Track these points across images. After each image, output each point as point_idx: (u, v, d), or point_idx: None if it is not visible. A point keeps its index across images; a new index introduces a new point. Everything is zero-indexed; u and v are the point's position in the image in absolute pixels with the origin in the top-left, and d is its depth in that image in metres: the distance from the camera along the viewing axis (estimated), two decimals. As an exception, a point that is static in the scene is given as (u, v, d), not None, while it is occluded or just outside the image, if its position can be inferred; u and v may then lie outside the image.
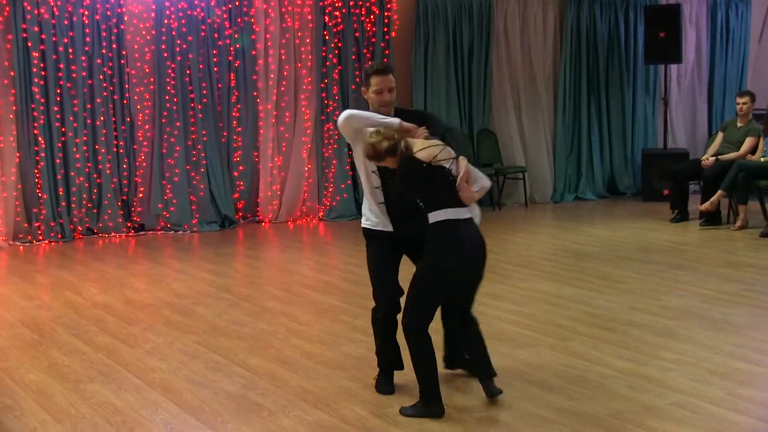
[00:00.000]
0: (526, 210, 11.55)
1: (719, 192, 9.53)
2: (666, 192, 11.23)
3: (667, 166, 11.17)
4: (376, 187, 4.60)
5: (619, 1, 12.27)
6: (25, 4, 9.12)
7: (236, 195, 10.39)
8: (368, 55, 10.83)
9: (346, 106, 10.75)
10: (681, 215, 10.16)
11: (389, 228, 4.63)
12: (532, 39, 11.87)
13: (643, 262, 8.05)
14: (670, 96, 12.42)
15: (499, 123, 11.81)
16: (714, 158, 9.95)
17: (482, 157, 11.62)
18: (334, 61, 10.66)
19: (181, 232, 9.87)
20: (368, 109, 4.67)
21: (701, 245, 8.87)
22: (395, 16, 11.00)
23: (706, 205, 9.62)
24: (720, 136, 10.29)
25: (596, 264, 8.00)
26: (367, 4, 10.76)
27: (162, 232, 9.88)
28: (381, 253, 4.65)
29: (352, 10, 10.69)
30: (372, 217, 4.67)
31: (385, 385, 4.75)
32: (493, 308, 6.45)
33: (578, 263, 8.06)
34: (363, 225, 4.73)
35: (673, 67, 12.44)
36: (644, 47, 11.98)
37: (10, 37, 9.12)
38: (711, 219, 9.76)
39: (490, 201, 11.65)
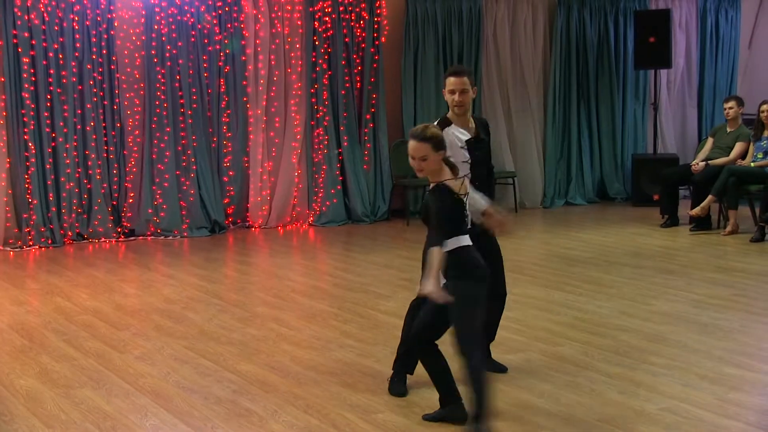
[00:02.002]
0: (515, 215, 11.55)
1: (709, 197, 9.56)
2: (656, 197, 11.26)
3: (657, 171, 11.20)
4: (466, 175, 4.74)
5: (609, 6, 12.32)
6: (16, 9, 9.10)
7: (226, 200, 10.38)
8: (358, 60, 10.84)
9: (335, 111, 10.77)
10: (671, 220, 10.19)
11: None
12: (521, 44, 11.90)
13: (633, 267, 8.07)
14: (659, 101, 12.46)
15: (489, 128, 11.80)
16: (704, 163, 9.98)
17: (472, 162, 11.62)
18: (324, 66, 10.67)
19: (171, 238, 9.85)
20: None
21: (691, 250, 8.90)
22: (385, 22, 11.02)
23: (697, 210, 9.64)
24: (710, 141, 10.33)
25: (586, 269, 8.02)
26: (357, 10, 10.77)
27: (152, 237, 9.86)
28: None
29: (341, 16, 10.71)
30: None
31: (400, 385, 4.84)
32: (483, 313, 6.46)
33: (568, 268, 8.08)
34: None
35: (663, 72, 12.49)
36: (634, 52, 12.01)
37: (0, 42, 9.09)
38: (701, 224, 9.80)
39: (480, 206, 11.64)
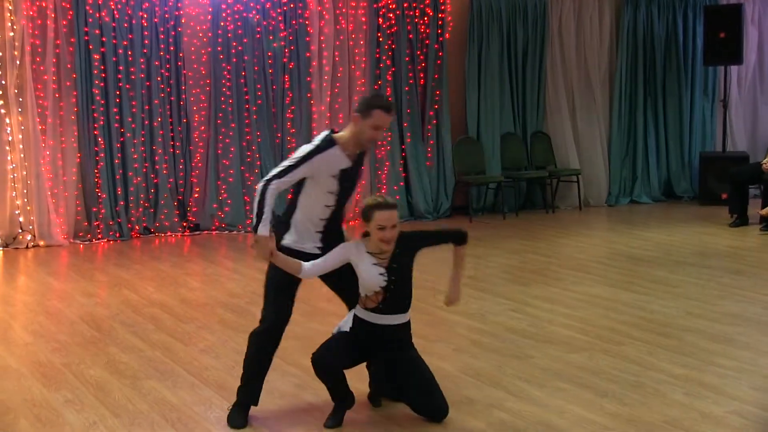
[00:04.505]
0: (579, 213, 11.45)
1: (781, 196, 9.35)
2: (724, 196, 11.04)
3: (725, 169, 10.98)
4: (326, 206, 4.37)
5: (678, 2, 12.10)
6: (87, 7, 9.31)
7: (290, 195, 10.42)
8: (421, 57, 10.84)
9: (399, 108, 10.78)
10: (740, 219, 9.98)
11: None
12: (587, 40, 11.77)
13: (700, 267, 7.92)
14: (729, 98, 12.20)
15: (553, 125, 11.73)
16: (775, 161, 9.78)
17: (536, 160, 11.56)
18: (388, 62, 10.69)
19: (235, 232, 9.97)
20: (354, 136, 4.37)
21: (761, 250, 8.70)
22: (449, 18, 10.99)
23: (767, 210, 9.44)
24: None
25: (651, 268, 7.90)
26: (421, 6, 10.76)
27: (216, 232, 10.00)
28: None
29: (405, 12, 10.71)
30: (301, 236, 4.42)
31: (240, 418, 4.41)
32: (545, 311, 6.42)
33: (633, 267, 7.97)
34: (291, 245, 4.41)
35: (734, 69, 12.23)
36: (703, 48, 11.79)
37: (72, 40, 9.31)
38: (772, 224, 9.59)
39: (543, 204, 11.59)
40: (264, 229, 4.22)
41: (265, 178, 4.31)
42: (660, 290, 7.05)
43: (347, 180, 4.38)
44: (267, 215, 4.22)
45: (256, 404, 4.46)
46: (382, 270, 4.28)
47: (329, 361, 4.29)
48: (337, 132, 4.44)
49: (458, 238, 4.51)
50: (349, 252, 4.32)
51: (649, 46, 12.07)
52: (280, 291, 4.41)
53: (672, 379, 4.94)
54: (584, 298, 6.83)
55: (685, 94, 12.24)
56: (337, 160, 4.32)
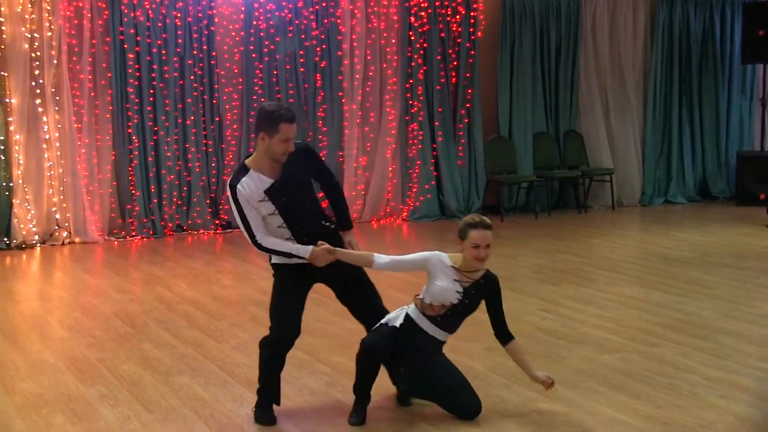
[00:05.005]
0: (612, 213, 11.37)
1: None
2: (762, 196, 10.91)
3: (763, 169, 10.84)
4: (279, 227, 4.36)
5: (715, -1, 11.99)
6: (123, 7, 9.39)
7: (320, 194, 10.44)
8: (453, 56, 10.82)
9: (431, 107, 10.77)
10: (778, 220, 9.86)
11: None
12: (621, 39, 11.68)
13: (737, 268, 7.83)
14: None
15: (586, 124, 11.66)
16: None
17: (568, 159, 11.49)
18: (420, 61, 10.68)
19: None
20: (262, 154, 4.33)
21: (797, 251, 8.60)
22: (481, 17, 10.95)
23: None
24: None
25: (686, 269, 7.82)
26: (453, 5, 10.74)
27: (249, 230, 10.02)
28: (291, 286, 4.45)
29: (437, 11, 10.69)
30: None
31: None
32: (578, 312, 6.37)
33: (667, 268, 7.89)
34: (278, 262, 4.46)
35: (772, 67, 12.08)
36: (741, 46, 11.65)
37: (108, 39, 9.40)
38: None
39: (575, 204, 11.52)
40: (304, 251, 4.29)
41: (252, 243, 4.36)
42: (695, 291, 6.98)
43: (282, 195, 4.29)
44: (288, 246, 4.31)
45: (278, 404, 4.48)
46: (461, 289, 4.34)
47: (380, 349, 4.31)
48: (251, 153, 4.41)
49: (507, 335, 4.47)
50: (428, 262, 4.39)
51: (685, 44, 11.95)
52: (286, 304, 4.42)
53: (708, 381, 4.89)
54: (617, 298, 6.78)
55: (721, 92, 12.11)
56: (254, 184, 4.26)
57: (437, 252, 4.44)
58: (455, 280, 4.34)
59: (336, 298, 4.62)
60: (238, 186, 4.26)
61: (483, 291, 4.40)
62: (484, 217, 4.42)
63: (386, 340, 4.34)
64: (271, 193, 4.29)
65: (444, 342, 4.47)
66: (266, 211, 4.31)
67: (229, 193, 4.33)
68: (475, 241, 4.30)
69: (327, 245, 4.31)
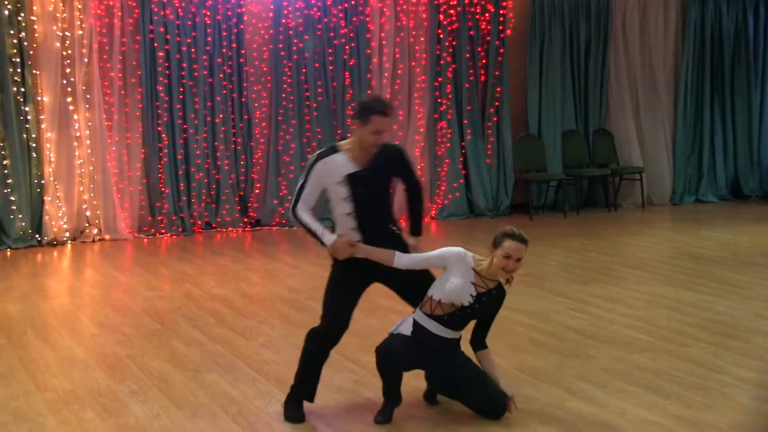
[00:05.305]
0: (642, 212, 11.29)
1: None
2: (795, 195, 10.79)
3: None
4: (347, 214, 4.39)
5: (748, -3, 11.87)
6: (153, 6, 9.45)
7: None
8: (482, 54, 10.78)
9: (459, 105, 10.75)
10: (810, 220, 9.74)
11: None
12: (651, 36, 11.59)
13: (768, 268, 7.75)
14: (802, 95, 11.92)
15: (615, 123, 11.58)
16: None
17: (598, 158, 11.42)
18: (448, 59, 10.66)
19: (295, 228, 10.04)
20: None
21: (831, 251, 8.48)
22: (510, 14, 10.91)
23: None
24: None
25: (717, 268, 7.74)
26: (482, 2, 10.71)
27: (277, 227, 10.08)
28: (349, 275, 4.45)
29: (467, 8, 10.66)
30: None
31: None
32: (606, 311, 6.33)
33: (697, 267, 7.82)
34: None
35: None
36: (775, 44, 11.52)
37: (138, 38, 9.47)
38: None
39: (605, 202, 11.45)
40: (329, 238, 4.33)
41: (290, 207, 4.41)
42: (726, 291, 6.91)
43: (361, 185, 4.35)
44: (318, 228, 4.34)
45: (311, 400, 4.48)
46: (475, 293, 4.31)
47: (396, 356, 4.30)
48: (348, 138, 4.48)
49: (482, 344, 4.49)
50: (449, 259, 4.34)
51: (717, 42, 11.84)
52: (341, 295, 4.44)
53: (739, 382, 4.84)
54: (647, 297, 6.73)
55: (754, 91, 11.98)
56: (339, 166, 4.34)
57: (462, 249, 4.38)
58: (472, 283, 4.30)
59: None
60: (321, 161, 4.36)
61: (493, 302, 4.37)
62: (523, 233, 4.36)
63: (401, 345, 4.34)
64: (351, 179, 4.35)
65: (457, 339, 4.44)
66: (340, 195, 4.37)
67: (309, 160, 4.42)
68: (508, 252, 4.26)
69: (349, 238, 4.32)
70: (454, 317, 4.34)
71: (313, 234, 4.35)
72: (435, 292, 4.35)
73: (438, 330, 4.35)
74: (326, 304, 4.46)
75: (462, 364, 4.42)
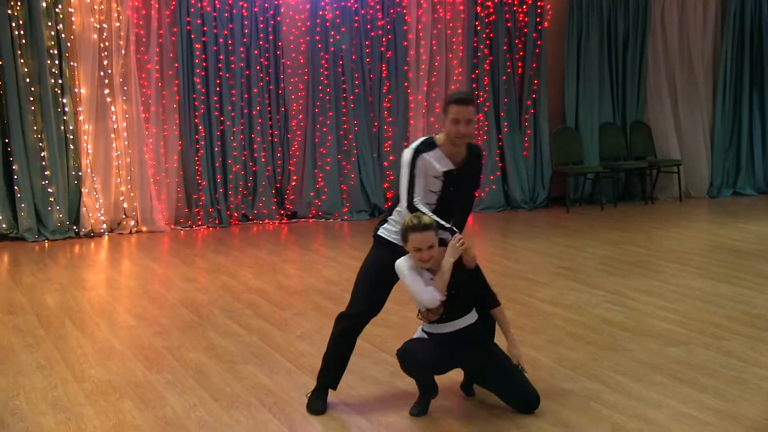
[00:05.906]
0: (680, 204, 11.18)
1: None
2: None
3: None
4: (428, 205, 4.39)
5: (789, -13, 11.68)
6: (190, -2, 9.53)
7: (386, 185, 10.50)
8: (519, 46, 10.73)
9: (496, 97, 10.71)
10: None
11: None
12: (690, 28, 11.46)
13: (808, 262, 7.64)
14: None
15: (653, 115, 11.47)
16: None
17: (635, 150, 11.33)
18: (486, 51, 10.62)
19: (331, 220, 10.07)
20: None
21: None
22: (548, 6, 10.84)
23: None
24: None
25: (755, 261, 7.65)
26: (520, -6, 10.65)
27: (313, 219, 10.12)
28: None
29: (504, 0, 10.61)
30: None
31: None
32: (643, 304, 6.29)
33: (735, 260, 7.73)
34: (385, 235, 4.49)
35: None
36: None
37: (175, 30, 9.54)
38: None
39: (642, 195, 11.35)
40: (450, 230, 4.33)
41: (406, 205, 4.36)
42: (765, 284, 6.82)
43: (452, 184, 4.38)
44: (437, 217, 4.31)
45: (334, 388, 4.50)
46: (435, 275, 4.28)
47: (415, 352, 4.32)
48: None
49: (494, 301, 4.45)
50: (403, 279, 4.29)
51: (757, 34, 11.67)
52: (376, 279, 4.45)
53: (777, 376, 4.78)
54: (684, 290, 6.67)
55: (794, 83, 11.81)
56: (439, 161, 4.36)
57: (398, 264, 4.30)
58: (432, 279, 4.25)
59: (399, 287, 4.62)
60: (423, 155, 4.34)
61: (462, 275, 4.28)
62: (424, 217, 4.23)
63: (421, 344, 4.35)
64: (447, 177, 4.38)
65: (474, 322, 4.36)
66: (431, 188, 4.39)
67: (407, 155, 4.38)
68: (416, 245, 4.18)
69: (463, 238, 4.31)
70: (450, 311, 4.30)
71: (438, 223, 4.32)
72: (418, 306, 4.36)
73: (451, 327, 4.33)
74: (359, 285, 4.50)
75: (490, 355, 4.39)
